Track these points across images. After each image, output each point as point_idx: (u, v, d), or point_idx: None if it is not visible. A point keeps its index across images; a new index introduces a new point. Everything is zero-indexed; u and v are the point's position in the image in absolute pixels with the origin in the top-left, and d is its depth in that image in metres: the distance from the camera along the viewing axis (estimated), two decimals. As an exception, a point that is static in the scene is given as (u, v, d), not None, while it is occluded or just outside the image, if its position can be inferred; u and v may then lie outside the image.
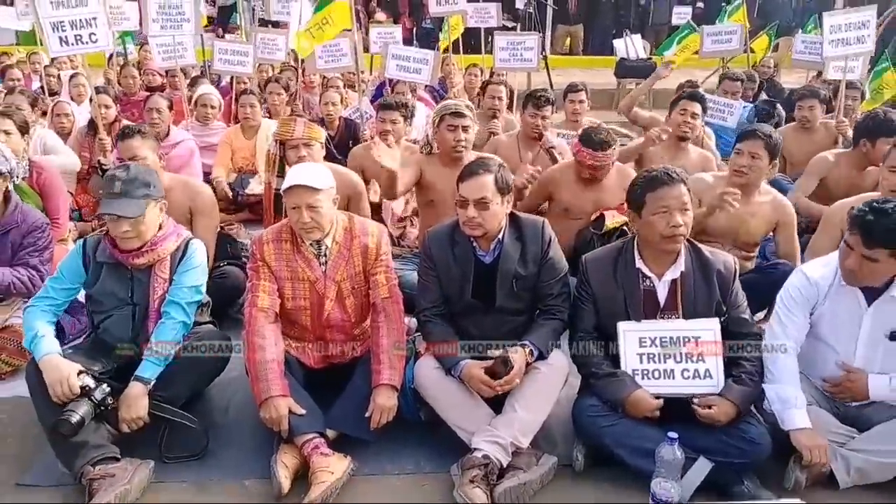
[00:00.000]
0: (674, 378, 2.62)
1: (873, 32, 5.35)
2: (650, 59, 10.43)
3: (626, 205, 2.85)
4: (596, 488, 2.56)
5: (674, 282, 2.68)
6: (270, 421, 2.57)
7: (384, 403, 2.63)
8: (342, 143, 5.89)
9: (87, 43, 5.01)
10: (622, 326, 2.67)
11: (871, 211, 2.40)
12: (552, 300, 2.83)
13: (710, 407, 2.48)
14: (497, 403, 2.68)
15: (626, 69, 10.18)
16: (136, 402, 2.56)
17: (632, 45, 10.15)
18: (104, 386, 2.52)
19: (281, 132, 3.74)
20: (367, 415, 2.64)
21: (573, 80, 5.75)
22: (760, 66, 8.95)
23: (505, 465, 2.49)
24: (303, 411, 2.62)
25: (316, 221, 2.73)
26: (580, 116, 5.48)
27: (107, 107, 5.45)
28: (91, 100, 5.48)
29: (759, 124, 3.46)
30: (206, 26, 8.84)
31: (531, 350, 2.67)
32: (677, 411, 2.54)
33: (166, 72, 7.76)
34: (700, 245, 2.75)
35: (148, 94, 6.22)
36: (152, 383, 2.61)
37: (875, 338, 2.59)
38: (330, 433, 2.66)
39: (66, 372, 2.49)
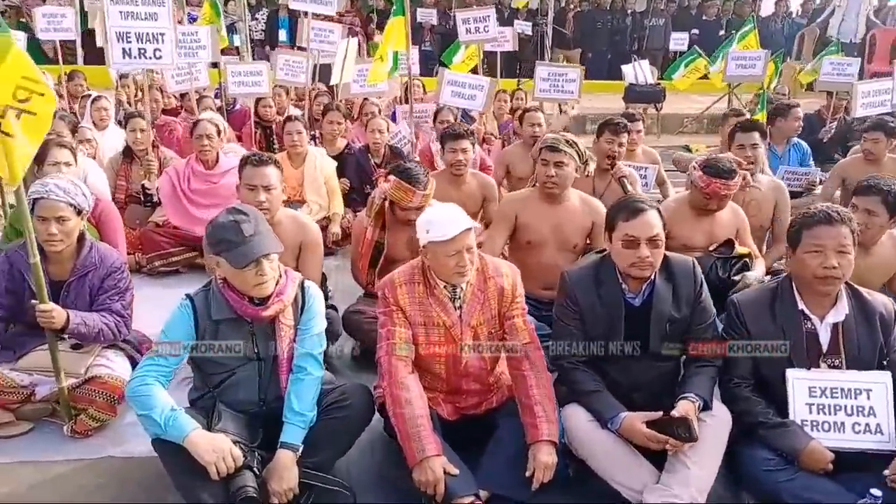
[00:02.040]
0: (844, 431, 2.50)
1: None
2: (658, 84, 10.49)
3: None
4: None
5: (835, 325, 2.57)
6: (426, 484, 2.36)
7: (547, 461, 2.43)
8: (390, 172, 5.71)
9: (150, 58, 4.79)
10: (792, 374, 2.54)
11: None
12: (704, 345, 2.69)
13: None
14: (651, 456, 2.52)
15: (636, 94, 10.22)
16: (288, 473, 2.34)
17: (640, 71, 10.21)
18: (256, 455, 2.28)
19: (396, 196, 3.50)
20: (527, 474, 2.44)
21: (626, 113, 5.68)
22: (775, 93, 9.04)
23: (684, 526, 2.33)
24: (457, 471, 2.41)
25: (472, 263, 2.57)
26: (635, 146, 5.41)
27: (142, 130, 5.17)
28: (121, 123, 5.22)
29: (879, 179, 3.34)
30: (225, 49, 8.58)
31: (698, 404, 2.51)
32: (845, 461, 2.42)
33: (181, 95, 7.50)
34: (858, 287, 2.64)
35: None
36: (301, 450, 2.38)
37: None
38: (482, 494, 2.46)
39: (226, 446, 2.26)
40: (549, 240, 3.66)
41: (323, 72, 8.60)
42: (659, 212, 2.59)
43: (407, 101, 7.85)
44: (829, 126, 7.93)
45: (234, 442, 2.28)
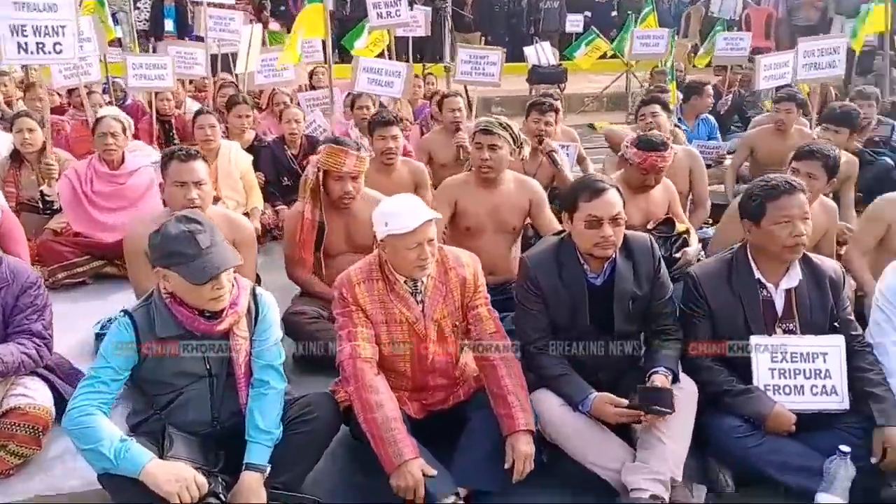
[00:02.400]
0: (803, 394, 2.57)
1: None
2: (560, 65, 10.66)
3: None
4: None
5: (789, 291, 2.64)
6: (406, 489, 2.24)
7: (526, 451, 2.37)
8: (306, 163, 5.47)
9: (49, 53, 4.30)
10: (755, 340, 2.60)
11: None
12: (665, 319, 2.70)
13: (884, 454, 2.39)
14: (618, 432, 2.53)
15: (539, 76, 10.34)
16: (255, 496, 2.17)
17: (542, 53, 10.30)
18: (220, 480, 2.10)
19: (329, 163, 3.38)
20: (506, 465, 2.37)
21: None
22: (675, 69, 9.36)
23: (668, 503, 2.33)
24: (434, 472, 2.31)
25: (433, 256, 2.45)
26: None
27: (30, 130, 4.68)
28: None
29: (819, 145, 3.49)
30: (112, 41, 7.96)
31: (670, 377, 2.52)
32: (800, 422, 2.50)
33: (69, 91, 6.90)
34: (808, 253, 2.72)
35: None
36: (268, 470, 2.21)
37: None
38: (461, 491, 2.38)
39: (188, 474, 2.06)
40: (488, 224, 3.61)
41: (224, 62, 8.16)
42: (618, 189, 2.56)
43: (313, 89, 7.63)
44: (726, 99, 8.30)
45: (195, 468, 2.08)
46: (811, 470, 2.41)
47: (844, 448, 2.27)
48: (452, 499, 2.28)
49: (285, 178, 5.48)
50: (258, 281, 3.44)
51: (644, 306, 2.67)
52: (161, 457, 2.12)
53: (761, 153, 5.47)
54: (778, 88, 5.99)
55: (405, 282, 2.52)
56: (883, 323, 2.70)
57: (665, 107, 5.00)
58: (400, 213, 2.40)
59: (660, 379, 2.50)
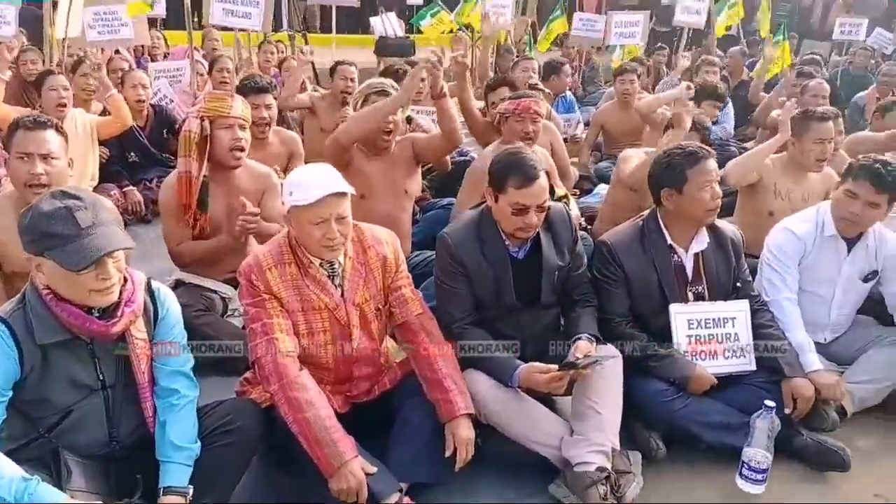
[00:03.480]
0: (717, 358, 2.68)
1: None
2: (408, 37, 10.49)
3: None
4: (677, 473, 2.51)
5: (696, 255, 2.72)
6: (348, 491, 2.04)
7: (468, 436, 2.24)
8: (155, 135, 4.92)
9: None
10: (674, 308, 2.66)
11: (878, 161, 2.68)
12: (583, 288, 2.69)
13: (794, 405, 2.54)
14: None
15: (387, 47, 10.10)
16: None
17: (388, 23, 10.08)
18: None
19: (213, 108, 3.01)
20: (447, 454, 2.23)
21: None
22: (515, 44, 9.55)
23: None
24: (375, 469, 2.13)
25: (344, 235, 2.22)
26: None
27: None
28: None
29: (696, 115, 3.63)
30: None
31: (594, 342, 2.51)
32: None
33: None
34: None
35: None
36: (190, 492, 1.91)
37: (851, 281, 2.93)
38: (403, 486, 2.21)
39: None
40: (381, 189, 3.42)
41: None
42: (547, 173, 2.48)
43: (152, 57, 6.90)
44: (575, 77, 8.60)
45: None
46: (733, 426, 2.52)
47: (769, 402, 2.37)
48: (396, 497, 2.12)
49: (132, 154, 4.87)
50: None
51: (565, 276, 2.63)
52: (60, 489, 1.75)
53: (610, 126, 5.76)
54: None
55: (321, 264, 2.28)
56: (776, 281, 2.88)
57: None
58: (304, 183, 2.16)
59: (584, 346, 2.46)
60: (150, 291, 2.06)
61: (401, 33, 10.31)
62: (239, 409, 2.15)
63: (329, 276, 2.30)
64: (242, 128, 3.07)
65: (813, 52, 8.80)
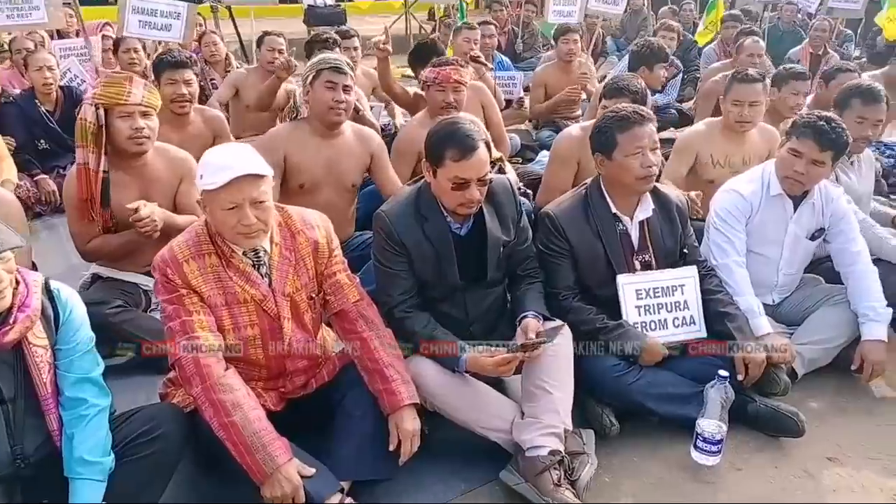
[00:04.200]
0: (667, 327, 2.61)
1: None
2: (338, 5, 10.14)
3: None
4: (632, 450, 2.43)
5: (642, 222, 2.62)
6: (283, 498, 1.88)
7: (414, 428, 2.11)
8: (67, 119, 4.55)
9: None
10: (621, 280, 2.57)
11: (821, 118, 2.61)
12: (529, 263, 2.57)
13: (745, 370, 2.47)
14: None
15: (317, 17, 9.77)
16: None
17: (318, -9, 9.73)
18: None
19: (108, 95, 2.72)
20: (392, 447, 2.09)
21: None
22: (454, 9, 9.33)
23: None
24: (313, 470, 1.98)
25: (263, 221, 2.02)
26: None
27: None
28: None
29: (625, 80, 3.48)
30: None
31: (540, 320, 2.40)
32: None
33: None
34: (655, 184, 2.71)
35: None
36: None
37: (798, 240, 2.88)
38: (344, 485, 2.07)
39: None
40: (325, 180, 3.20)
41: None
42: (487, 143, 2.32)
43: (61, 36, 6.44)
44: (499, 39, 8.44)
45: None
46: (686, 397, 2.45)
47: (723, 372, 2.31)
48: (337, 497, 1.98)
49: (42, 141, 4.53)
50: (34, 270, 2.73)
51: (510, 252, 2.50)
52: None
53: (551, 87, 5.66)
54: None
55: (244, 253, 2.09)
56: (723, 244, 2.81)
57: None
58: (216, 165, 1.96)
59: (532, 324, 2.36)
60: (48, 293, 1.85)
61: (330, 2, 9.96)
62: (159, 415, 1.97)
63: (254, 266, 2.11)
64: (145, 114, 2.78)
65: (744, 8, 8.85)
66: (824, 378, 2.81)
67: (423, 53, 4.40)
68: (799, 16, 8.94)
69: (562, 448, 2.18)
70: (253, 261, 2.11)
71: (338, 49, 4.34)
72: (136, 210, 2.69)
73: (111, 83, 2.73)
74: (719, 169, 3.53)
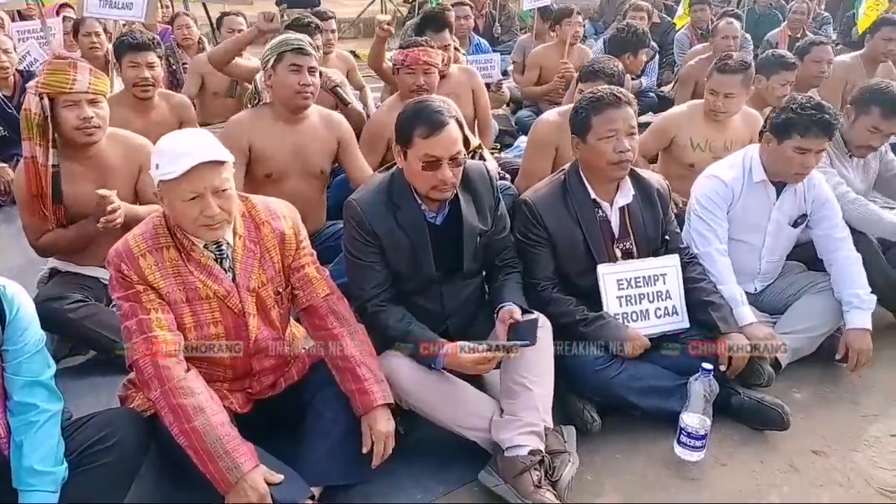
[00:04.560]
0: (648, 318, 2.54)
1: None
2: (312, -16, 9.89)
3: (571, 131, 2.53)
4: (614, 446, 2.36)
5: (622, 208, 2.54)
6: (248, 507, 1.78)
7: (387, 429, 2.00)
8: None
9: None
10: (602, 270, 2.48)
11: (820, 110, 2.53)
12: (507, 253, 2.48)
13: (729, 362, 2.41)
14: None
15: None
16: None
17: (292, -28, 9.46)
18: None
19: (51, 83, 2.55)
20: (365, 450, 1.99)
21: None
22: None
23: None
24: (281, 476, 1.88)
25: (226, 211, 1.91)
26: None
27: None
28: None
29: (601, 62, 3.38)
30: None
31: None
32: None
33: None
34: (635, 168, 2.62)
35: None
36: None
37: (780, 227, 2.82)
38: (315, 491, 1.97)
39: None
40: (292, 167, 3.07)
41: None
42: (458, 122, 2.20)
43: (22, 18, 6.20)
44: (477, 23, 8.31)
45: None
46: (669, 390, 2.38)
47: (707, 365, 2.24)
48: (308, 504, 1.87)
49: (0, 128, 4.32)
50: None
51: (487, 241, 2.40)
52: None
53: (547, 69, 5.55)
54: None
55: (205, 246, 1.97)
56: (705, 232, 2.74)
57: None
58: (173, 152, 1.84)
59: (514, 310, 2.26)
60: None
61: (302, -18, 9.70)
62: (116, 420, 1.85)
63: (216, 260, 1.99)
64: (93, 102, 2.61)
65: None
66: (808, 367, 2.76)
67: (431, 23, 4.26)
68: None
69: (542, 447, 2.10)
70: (215, 254, 1.99)
71: (319, 35, 4.13)
72: (104, 198, 2.54)
73: (54, 70, 2.56)
74: (699, 152, 3.47)
